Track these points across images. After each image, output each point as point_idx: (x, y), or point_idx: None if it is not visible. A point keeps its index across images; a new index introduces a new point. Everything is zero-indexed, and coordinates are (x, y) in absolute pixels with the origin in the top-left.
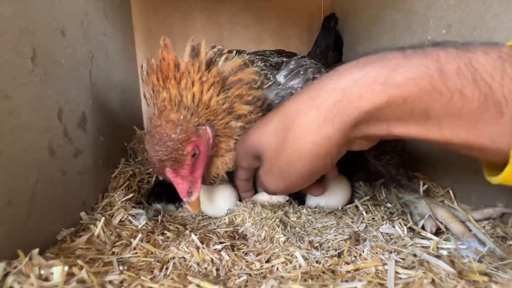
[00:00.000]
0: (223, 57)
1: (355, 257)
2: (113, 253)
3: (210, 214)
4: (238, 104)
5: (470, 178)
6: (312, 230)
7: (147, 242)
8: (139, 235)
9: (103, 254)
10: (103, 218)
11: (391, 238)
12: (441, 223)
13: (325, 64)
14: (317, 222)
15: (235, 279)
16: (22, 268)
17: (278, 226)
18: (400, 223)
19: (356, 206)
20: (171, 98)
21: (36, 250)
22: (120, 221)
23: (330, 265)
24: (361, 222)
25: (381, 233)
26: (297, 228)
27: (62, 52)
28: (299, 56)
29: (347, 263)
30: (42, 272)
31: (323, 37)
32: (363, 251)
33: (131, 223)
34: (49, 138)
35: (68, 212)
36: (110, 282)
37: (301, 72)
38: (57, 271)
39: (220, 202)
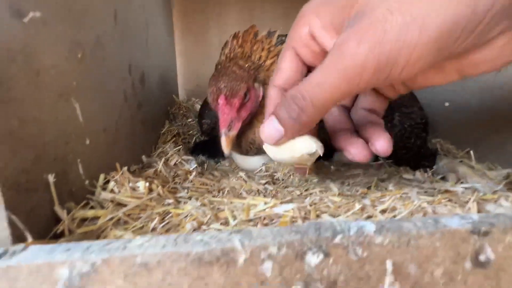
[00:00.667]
0: None
1: (381, 190)
2: (175, 183)
3: (246, 167)
4: None
5: (488, 139)
6: (340, 177)
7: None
8: (194, 172)
9: (168, 182)
10: (163, 158)
11: (413, 181)
12: (461, 179)
13: None
14: (344, 172)
15: (282, 198)
16: (118, 178)
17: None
18: (420, 172)
19: (381, 164)
20: (244, 52)
21: (125, 168)
22: (174, 164)
23: (360, 193)
24: (384, 173)
25: (404, 178)
26: (329, 174)
27: (131, 16)
28: None
29: (375, 192)
30: (130, 184)
31: None
32: (388, 186)
33: (184, 166)
34: (124, 86)
35: (133, 152)
36: (180, 197)
37: None
38: (141, 185)
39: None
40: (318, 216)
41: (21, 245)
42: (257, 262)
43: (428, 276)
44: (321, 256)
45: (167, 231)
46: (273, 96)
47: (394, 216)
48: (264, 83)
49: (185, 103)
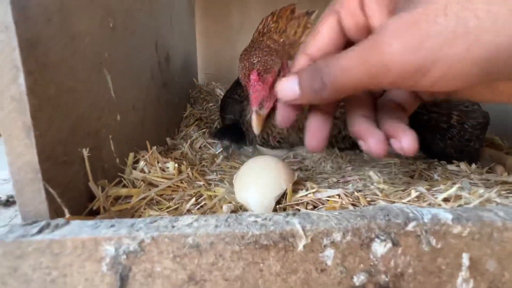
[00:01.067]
0: None
1: (426, 179)
2: (202, 166)
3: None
4: None
5: None
6: (376, 165)
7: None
8: (221, 156)
9: (195, 165)
10: (188, 140)
11: (457, 173)
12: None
13: None
14: (379, 161)
15: (319, 184)
16: (148, 158)
17: (342, 158)
18: (465, 163)
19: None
20: (278, 28)
21: (155, 147)
22: (199, 147)
23: (404, 182)
24: (423, 163)
25: (447, 169)
26: (362, 163)
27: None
28: None
29: (420, 181)
30: (159, 165)
31: None
32: (434, 176)
33: (209, 150)
34: (151, 65)
35: (159, 133)
36: (210, 179)
37: None
38: (171, 165)
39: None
40: (369, 202)
41: (62, 219)
42: (317, 249)
43: (508, 275)
44: (389, 244)
45: (203, 213)
46: (301, 63)
47: (460, 206)
48: None
49: (205, 87)
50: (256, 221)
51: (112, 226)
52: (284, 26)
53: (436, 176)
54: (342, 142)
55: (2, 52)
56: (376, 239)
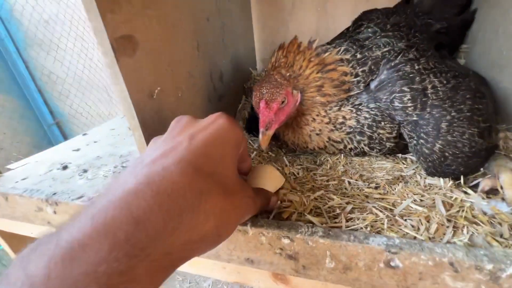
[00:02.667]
0: (327, 53)
1: (387, 191)
2: None
3: None
4: (328, 85)
5: None
6: (368, 167)
7: (258, 156)
8: (254, 152)
9: None
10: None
11: (430, 186)
12: (500, 186)
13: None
14: (375, 163)
15: (304, 185)
16: None
17: (341, 160)
18: (448, 178)
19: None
20: (287, 62)
21: None
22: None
23: (365, 192)
24: (412, 169)
25: (424, 180)
26: (356, 165)
27: (209, 33)
28: (400, 51)
29: (379, 194)
30: None
31: None
32: (395, 189)
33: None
34: (207, 93)
35: None
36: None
37: (389, 84)
38: None
39: None
40: (311, 211)
41: None
42: None
43: None
44: None
45: None
46: None
47: (353, 226)
48: (302, 90)
49: (258, 75)
50: None
51: None
52: (292, 61)
53: (396, 190)
54: (351, 152)
55: None
56: None
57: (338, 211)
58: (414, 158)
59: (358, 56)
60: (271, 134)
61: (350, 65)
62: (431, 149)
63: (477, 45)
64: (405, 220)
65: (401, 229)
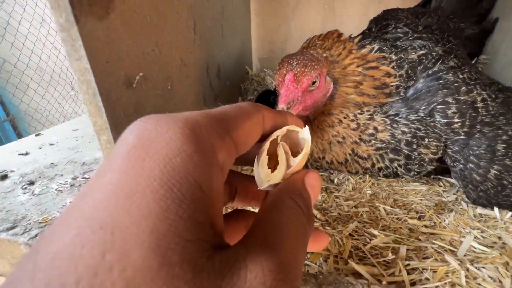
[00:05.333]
0: (367, 48)
1: (434, 223)
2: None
3: None
4: (368, 83)
5: None
6: (399, 190)
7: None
8: None
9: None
10: None
11: (482, 217)
12: None
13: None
14: (406, 184)
15: (329, 213)
16: None
17: (367, 181)
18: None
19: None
20: (324, 45)
21: None
22: None
23: (408, 223)
24: (453, 194)
25: (473, 209)
26: (384, 186)
27: (208, 14)
28: (438, 57)
29: (426, 226)
30: None
31: None
32: (445, 220)
33: None
34: (203, 90)
35: None
36: None
37: (429, 94)
38: None
39: None
40: (350, 253)
41: None
42: None
43: None
44: None
45: None
46: None
47: (420, 281)
48: (336, 82)
49: (256, 76)
50: None
51: None
52: (330, 45)
53: (446, 222)
54: (380, 173)
55: None
56: None
57: (386, 254)
58: (451, 180)
59: (393, 57)
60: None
61: (391, 65)
62: (484, 175)
63: (499, 56)
64: (478, 269)
65: (480, 285)
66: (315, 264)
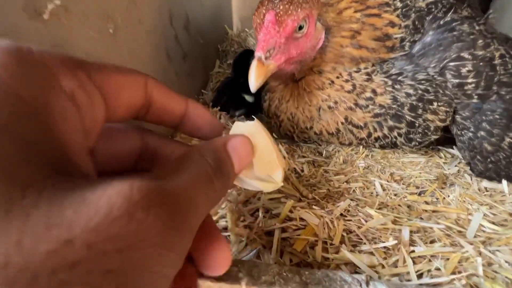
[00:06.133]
0: None
1: (437, 199)
2: None
3: None
4: (367, 33)
5: None
6: (396, 163)
7: None
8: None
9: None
10: None
11: (488, 191)
12: None
13: None
14: (403, 156)
15: (316, 190)
16: None
17: (359, 153)
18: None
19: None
20: None
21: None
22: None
23: (408, 200)
24: (455, 166)
25: (478, 182)
26: (378, 157)
27: None
28: (450, 6)
29: (427, 203)
30: None
31: None
32: (449, 196)
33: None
34: (165, 44)
35: None
36: None
37: (441, 48)
38: None
39: None
40: (342, 237)
41: None
42: None
43: None
44: None
45: None
46: None
47: (429, 272)
48: (329, 30)
49: (237, 36)
50: None
51: None
52: None
53: (451, 197)
54: (376, 143)
55: None
56: None
57: (386, 238)
58: (452, 151)
59: (398, 4)
60: (272, 70)
61: (395, 14)
62: (497, 144)
63: (509, 14)
64: (492, 252)
65: (497, 272)
66: (300, 252)
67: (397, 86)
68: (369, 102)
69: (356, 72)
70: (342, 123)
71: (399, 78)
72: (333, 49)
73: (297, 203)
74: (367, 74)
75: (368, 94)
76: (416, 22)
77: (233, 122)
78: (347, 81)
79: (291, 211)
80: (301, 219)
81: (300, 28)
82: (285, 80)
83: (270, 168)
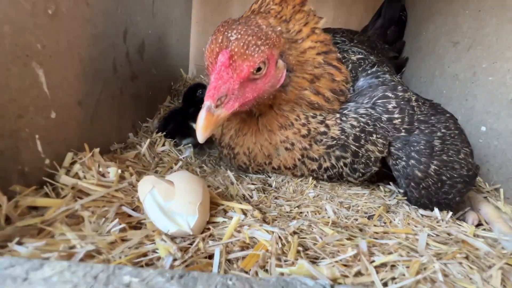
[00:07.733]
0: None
1: (385, 223)
2: (156, 172)
3: None
4: (326, 82)
5: None
6: (343, 194)
7: (186, 168)
8: (181, 163)
9: (148, 170)
10: (148, 140)
11: (425, 217)
12: (485, 220)
13: (385, 41)
14: (349, 189)
15: (267, 213)
16: (86, 161)
17: (309, 183)
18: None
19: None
20: (281, 14)
21: (97, 149)
22: (164, 148)
23: (359, 223)
24: (394, 198)
25: (415, 210)
26: (327, 189)
27: None
28: (374, 63)
29: (376, 226)
30: (100, 169)
31: (388, 8)
32: (394, 219)
33: (173, 153)
34: (114, 55)
35: (119, 129)
36: None
37: (370, 89)
38: (112, 171)
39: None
40: (298, 253)
41: None
42: None
43: None
44: None
45: (123, 240)
46: None
47: (394, 280)
48: (291, 68)
49: (191, 80)
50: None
51: None
52: (288, 16)
53: (397, 220)
54: (325, 174)
55: None
56: None
57: (344, 252)
58: (390, 187)
59: (338, 55)
60: (224, 118)
61: (349, 69)
62: (425, 171)
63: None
64: (445, 265)
65: (455, 283)
66: (248, 273)
67: (344, 118)
68: (323, 137)
69: (313, 117)
70: (299, 159)
71: (345, 111)
72: (294, 89)
73: (245, 219)
74: (322, 120)
75: (322, 129)
76: (352, 71)
77: (178, 150)
78: (303, 125)
79: (238, 231)
80: (251, 237)
81: (259, 69)
82: (242, 116)
83: (187, 210)
